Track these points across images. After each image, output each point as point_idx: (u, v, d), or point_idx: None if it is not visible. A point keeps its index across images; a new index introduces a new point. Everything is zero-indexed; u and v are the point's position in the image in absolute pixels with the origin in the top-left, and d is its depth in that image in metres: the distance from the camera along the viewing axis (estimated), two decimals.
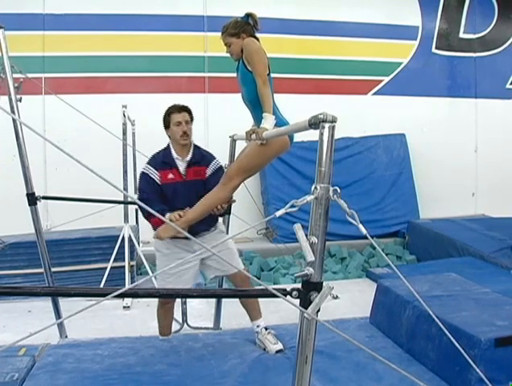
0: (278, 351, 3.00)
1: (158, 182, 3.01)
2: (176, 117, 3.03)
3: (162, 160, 3.06)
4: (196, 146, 3.14)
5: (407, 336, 2.98)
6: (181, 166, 3.04)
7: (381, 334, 3.25)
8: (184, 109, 3.07)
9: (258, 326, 3.13)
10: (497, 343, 2.40)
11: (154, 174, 3.01)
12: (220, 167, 3.14)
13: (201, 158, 3.10)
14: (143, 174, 3.05)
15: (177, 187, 3.01)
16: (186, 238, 2.80)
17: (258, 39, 2.86)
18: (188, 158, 3.06)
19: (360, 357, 2.80)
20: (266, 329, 3.10)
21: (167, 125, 3.07)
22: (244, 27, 2.85)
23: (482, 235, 5.81)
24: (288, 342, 3.06)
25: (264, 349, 3.03)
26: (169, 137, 3.10)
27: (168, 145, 3.11)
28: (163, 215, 2.84)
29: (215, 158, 3.16)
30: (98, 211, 4.54)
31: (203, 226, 3.04)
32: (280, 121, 2.69)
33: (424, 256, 6.04)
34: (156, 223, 2.93)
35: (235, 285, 3.21)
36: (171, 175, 3.02)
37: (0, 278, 4.73)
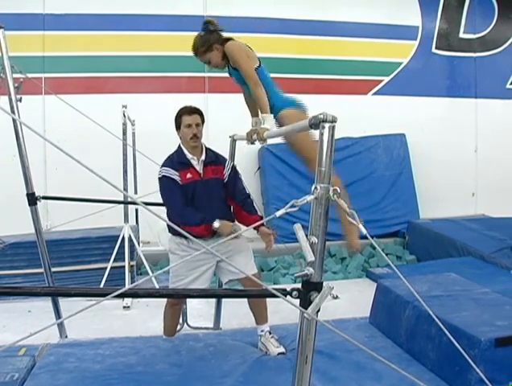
0: (279, 354, 3.00)
1: (180, 183, 2.99)
2: (187, 120, 3.02)
3: (178, 161, 3.03)
4: (206, 147, 3.14)
5: (407, 336, 2.98)
6: (197, 165, 3.04)
7: (381, 334, 3.25)
8: (195, 112, 3.06)
9: (261, 331, 3.12)
10: (497, 343, 2.40)
11: (175, 175, 2.99)
12: (234, 166, 3.17)
13: (215, 157, 3.12)
14: (165, 178, 2.99)
15: (197, 186, 3.00)
16: (201, 238, 2.86)
17: (231, 39, 2.85)
18: (203, 157, 3.06)
19: (360, 357, 2.80)
20: (270, 333, 3.10)
21: (177, 126, 3.07)
22: (211, 38, 2.84)
23: (482, 235, 5.80)
24: (288, 343, 3.06)
25: (266, 352, 3.03)
26: (180, 138, 3.10)
27: (180, 147, 3.09)
28: (206, 223, 2.89)
29: (227, 158, 3.21)
30: (98, 211, 4.53)
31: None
32: (285, 102, 2.69)
33: (424, 256, 6.03)
34: (196, 231, 2.83)
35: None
36: (189, 175, 3.00)
37: (0, 278, 4.73)
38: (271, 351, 3.01)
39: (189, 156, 3.04)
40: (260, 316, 3.16)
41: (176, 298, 3.51)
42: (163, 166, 3.04)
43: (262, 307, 3.15)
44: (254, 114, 3.02)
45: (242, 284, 3.20)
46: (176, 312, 3.27)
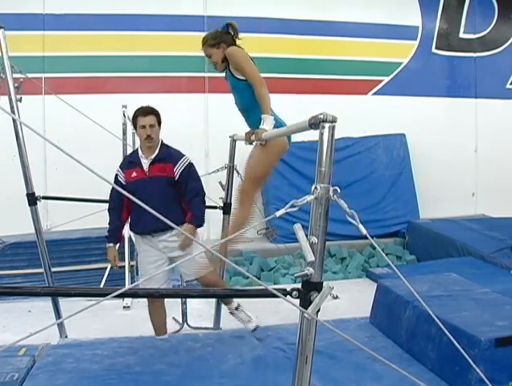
0: (254, 330, 3.18)
1: (123, 182, 3.15)
2: (141, 121, 3.12)
3: (128, 160, 3.24)
4: (164, 145, 3.21)
5: (407, 336, 2.98)
6: (145, 163, 3.14)
7: (381, 334, 3.25)
8: (150, 113, 3.15)
9: (229, 308, 3.30)
10: (497, 343, 2.40)
11: (121, 176, 3.18)
12: (190, 164, 3.18)
13: (167, 155, 3.16)
14: (115, 177, 3.21)
15: (139, 184, 3.10)
16: (150, 234, 3.10)
17: (240, 48, 2.87)
18: (153, 156, 3.14)
19: (360, 357, 2.79)
20: (237, 308, 3.24)
21: (134, 126, 3.20)
22: (223, 37, 2.87)
23: (482, 235, 5.81)
24: (288, 343, 3.06)
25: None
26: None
27: (138, 146, 3.25)
28: (112, 236, 3.26)
29: (183, 156, 3.19)
30: (98, 211, 4.53)
31: (160, 224, 3.04)
32: (277, 123, 2.69)
33: (424, 256, 6.04)
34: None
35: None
36: (134, 174, 3.14)
37: (0, 278, 4.73)
38: (246, 327, 3.20)
39: (140, 154, 3.16)
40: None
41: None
42: (119, 165, 3.26)
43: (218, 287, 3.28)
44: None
45: (200, 283, 3.29)
46: (159, 309, 3.29)
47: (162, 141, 3.21)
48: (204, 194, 3.22)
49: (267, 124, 2.62)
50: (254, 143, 2.77)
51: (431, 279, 3.57)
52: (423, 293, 2.95)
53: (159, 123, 3.18)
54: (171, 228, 3.06)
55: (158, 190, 3.07)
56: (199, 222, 3.15)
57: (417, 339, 2.87)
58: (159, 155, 3.14)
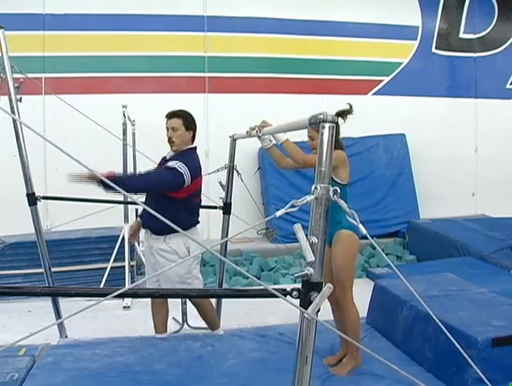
0: None
1: None
2: (166, 123, 3.13)
3: (165, 155, 3.27)
4: (187, 152, 3.12)
5: (404, 336, 2.98)
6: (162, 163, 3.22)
7: (378, 334, 3.25)
8: (174, 115, 3.12)
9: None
10: (494, 343, 2.40)
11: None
12: (174, 168, 2.96)
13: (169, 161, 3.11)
14: None
15: None
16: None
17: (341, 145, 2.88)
18: (168, 158, 3.17)
19: None
20: None
21: None
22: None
23: (482, 235, 5.81)
24: (288, 342, 3.06)
25: None
26: None
27: None
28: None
29: (177, 161, 3.01)
30: (98, 211, 4.54)
31: (148, 224, 3.15)
32: (348, 227, 2.64)
33: (424, 256, 6.03)
34: None
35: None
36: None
37: (0, 278, 4.73)
38: None
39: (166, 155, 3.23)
40: (210, 324, 3.42)
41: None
42: None
43: (208, 316, 3.39)
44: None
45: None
46: (160, 306, 3.31)
47: (189, 148, 3.13)
48: (154, 180, 3.00)
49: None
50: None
51: (428, 279, 3.56)
52: (420, 293, 2.95)
53: (187, 126, 3.09)
54: (161, 234, 3.09)
55: (156, 194, 3.06)
56: (117, 180, 2.80)
57: (414, 339, 2.87)
58: (166, 159, 3.15)
